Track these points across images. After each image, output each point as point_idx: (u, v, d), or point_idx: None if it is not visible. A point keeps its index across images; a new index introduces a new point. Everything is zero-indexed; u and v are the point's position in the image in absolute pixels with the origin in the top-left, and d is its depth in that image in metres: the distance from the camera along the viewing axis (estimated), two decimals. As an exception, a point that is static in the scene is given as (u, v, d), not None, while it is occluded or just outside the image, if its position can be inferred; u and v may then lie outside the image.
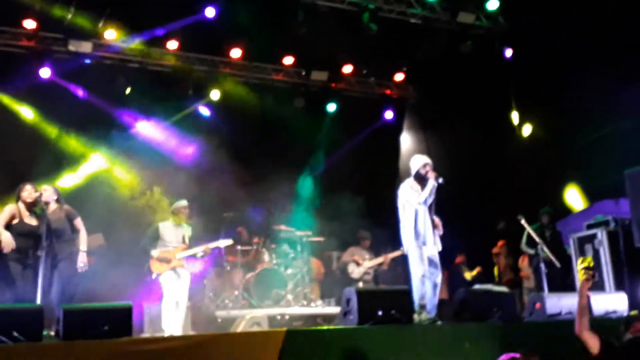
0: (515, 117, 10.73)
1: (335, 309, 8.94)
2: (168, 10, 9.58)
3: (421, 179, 6.94)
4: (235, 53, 11.08)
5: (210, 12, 9.82)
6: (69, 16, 9.60)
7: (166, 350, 5.11)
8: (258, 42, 10.54)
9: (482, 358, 5.63)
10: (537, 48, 9.72)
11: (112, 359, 4.91)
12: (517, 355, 4.53)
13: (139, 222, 8.99)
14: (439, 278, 6.87)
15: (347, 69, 11.82)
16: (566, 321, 5.88)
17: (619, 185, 7.96)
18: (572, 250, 8.60)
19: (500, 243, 10.36)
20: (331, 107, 12.08)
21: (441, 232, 7.05)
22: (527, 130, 10.60)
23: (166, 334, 7.38)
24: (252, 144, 11.04)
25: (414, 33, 10.77)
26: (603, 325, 5.25)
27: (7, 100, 10.05)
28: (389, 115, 12.55)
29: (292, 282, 9.56)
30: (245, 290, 9.30)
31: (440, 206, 7.06)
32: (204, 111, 11.21)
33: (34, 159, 9.19)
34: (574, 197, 10.05)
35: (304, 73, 11.82)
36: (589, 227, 8.52)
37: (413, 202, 6.86)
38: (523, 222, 8.54)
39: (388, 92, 12.62)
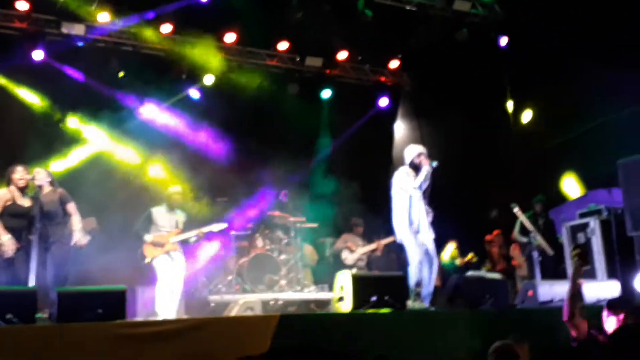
0: (510, 105, 10.74)
1: (328, 295, 8.97)
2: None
3: (416, 168, 6.96)
4: (230, 37, 11.01)
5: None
6: (62, -2, 9.51)
7: (160, 334, 5.11)
8: (252, 26, 10.48)
9: (475, 345, 5.66)
10: (532, 36, 9.71)
11: (105, 342, 4.90)
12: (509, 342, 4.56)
13: (133, 206, 8.94)
14: (435, 265, 6.90)
15: (342, 55, 11.78)
16: (558, 308, 5.92)
17: (613, 175, 7.99)
18: (564, 238, 8.64)
19: (495, 232, 10.39)
20: (326, 94, 12.04)
21: (431, 219, 7.06)
22: (527, 116, 10.61)
23: (160, 318, 7.38)
24: (246, 129, 10.99)
25: (409, 20, 10.74)
26: (594, 312, 5.28)
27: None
28: (383, 102, 12.52)
29: (286, 268, 9.58)
30: (239, 275, 9.31)
31: (434, 194, 7.08)
32: (194, 94, 11.13)
33: (26, 141, 9.12)
34: (571, 186, 10.08)
35: (298, 59, 11.76)
36: (582, 215, 8.57)
37: (408, 187, 6.87)
38: (516, 210, 8.60)
39: (383, 79, 12.59)
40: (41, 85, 10.02)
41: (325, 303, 9.08)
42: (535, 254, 8.36)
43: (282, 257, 9.67)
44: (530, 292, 6.95)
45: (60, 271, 6.69)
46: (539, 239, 8.54)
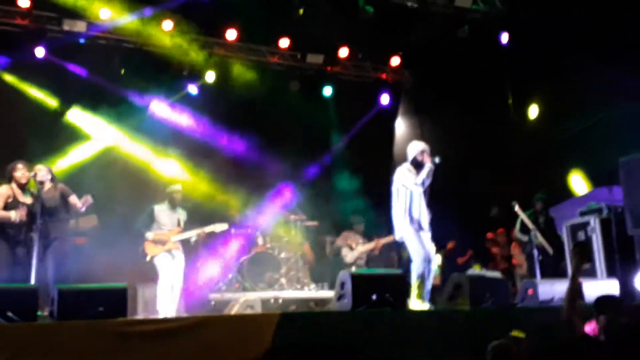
0: (511, 102, 10.72)
1: (328, 293, 8.98)
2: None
3: (418, 165, 6.94)
4: (231, 34, 11.00)
5: (205, -8, 9.73)
6: (64, -6, 9.51)
7: (161, 332, 5.12)
8: (253, 23, 10.46)
9: (475, 343, 5.66)
10: (534, 32, 9.68)
11: (106, 340, 4.92)
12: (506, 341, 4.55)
13: (134, 204, 8.96)
14: (433, 263, 6.90)
15: (343, 52, 11.75)
16: (558, 307, 5.92)
17: (615, 172, 7.99)
18: (564, 237, 8.63)
19: (499, 230, 10.38)
20: (327, 91, 12.02)
21: (429, 220, 7.06)
22: (529, 113, 10.60)
23: (160, 316, 7.40)
24: (246, 127, 10.98)
25: (410, 17, 10.70)
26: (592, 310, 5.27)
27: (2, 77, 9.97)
28: (385, 100, 12.50)
29: (286, 266, 9.59)
30: (239, 273, 9.32)
31: (434, 191, 7.07)
32: (192, 89, 11.11)
33: (28, 138, 9.12)
34: (576, 183, 10.07)
35: (299, 56, 11.75)
36: (582, 214, 8.55)
37: (409, 183, 6.85)
38: (517, 208, 8.59)
39: (384, 76, 12.57)
40: (43, 82, 10.01)
41: (325, 302, 9.09)
42: (535, 253, 8.35)
43: (283, 255, 9.68)
44: (530, 291, 6.95)
45: (61, 268, 6.70)
46: (539, 238, 8.52)
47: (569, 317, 4.81)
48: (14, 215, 6.51)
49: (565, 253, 8.47)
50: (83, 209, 6.92)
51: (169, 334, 5.11)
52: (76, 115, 10.31)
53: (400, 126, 12.76)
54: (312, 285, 9.61)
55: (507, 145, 10.46)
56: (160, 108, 10.92)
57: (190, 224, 8.16)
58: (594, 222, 8.25)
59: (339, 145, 11.92)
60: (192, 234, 8.01)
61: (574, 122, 9.44)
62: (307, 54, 11.65)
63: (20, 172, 6.75)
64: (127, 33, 10.45)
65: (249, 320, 5.95)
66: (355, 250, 9.94)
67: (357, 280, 6.00)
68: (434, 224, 7.05)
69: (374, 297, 5.90)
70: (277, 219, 10.00)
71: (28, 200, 6.72)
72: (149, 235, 7.79)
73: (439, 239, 7.30)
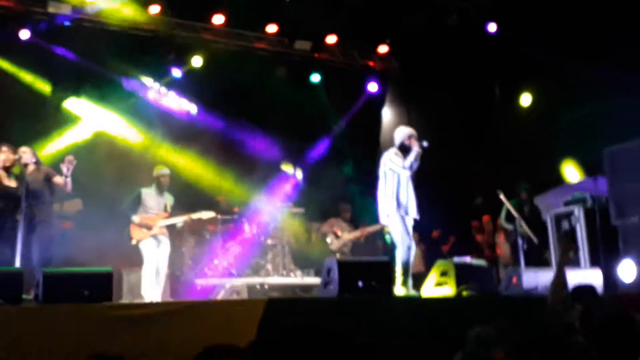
0: (498, 92, 10.76)
1: (314, 280, 9.00)
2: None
3: (405, 150, 6.93)
4: (218, 19, 10.91)
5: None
6: (48, -24, 9.38)
7: (146, 316, 5.11)
8: (241, 9, 10.39)
9: (460, 330, 5.69)
10: (522, 23, 9.71)
11: (91, 324, 4.90)
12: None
13: (120, 188, 8.90)
14: (413, 249, 6.91)
15: (331, 39, 11.71)
16: (543, 296, 5.98)
17: (599, 163, 8.06)
18: (549, 226, 8.70)
19: (485, 218, 10.43)
20: (315, 78, 11.98)
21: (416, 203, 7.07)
22: (517, 102, 10.64)
23: (145, 300, 7.38)
24: (233, 112, 10.93)
25: (399, 4, 10.68)
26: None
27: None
28: (372, 87, 12.49)
29: (272, 252, 9.59)
30: (225, 259, 9.31)
31: (420, 179, 7.09)
32: (176, 73, 11.02)
33: (12, 121, 9.01)
34: (570, 172, 10.13)
35: (286, 42, 11.68)
36: (567, 204, 8.63)
37: (397, 167, 6.84)
38: (502, 197, 8.64)
39: (372, 64, 12.55)
40: (28, 65, 9.86)
41: (310, 288, 9.11)
42: (520, 241, 8.42)
43: (269, 241, 9.68)
44: (514, 279, 7.01)
45: (46, 252, 6.65)
46: (524, 226, 8.59)
47: (554, 305, 4.85)
48: None
49: (550, 242, 8.54)
50: (68, 174, 6.73)
51: (154, 318, 5.10)
52: (61, 99, 10.20)
53: (387, 114, 12.76)
54: (298, 272, 9.63)
55: (493, 134, 10.51)
56: (145, 91, 10.83)
57: (177, 209, 8.12)
58: (578, 212, 8.31)
59: (326, 132, 11.89)
60: (179, 221, 7.98)
61: (562, 112, 9.50)
62: (295, 40, 11.60)
63: (5, 154, 6.68)
64: (113, 16, 10.34)
65: (236, 305, 5.95)
66: (340, 238, 9.96)
67: (344, 267, 6.01)
68: (419, 212, 7.07)
69: (360, 284, 5.92)
70: (263, 205, 9.98)
71: (12, 183, 6.65)
72: (135, 218, 7.75)
73: (423, 226, 7.32)
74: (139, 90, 10.71)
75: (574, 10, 8.89)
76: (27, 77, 9.96)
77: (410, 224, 6.94)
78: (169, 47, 10.70)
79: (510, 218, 8.90)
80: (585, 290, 4.89)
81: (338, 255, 9.76)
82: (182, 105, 10.99)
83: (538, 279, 6.80)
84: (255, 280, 9.03)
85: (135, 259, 7.98)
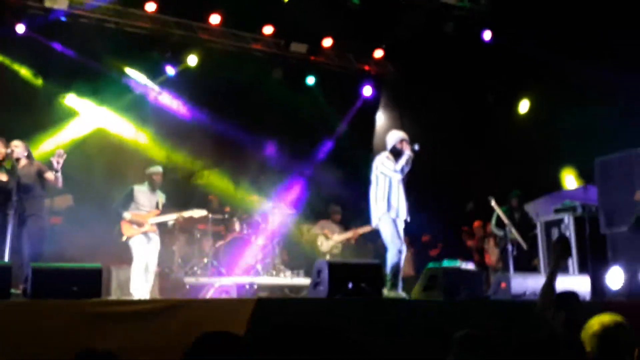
0: (492, 100, 10.81)
1: (303, 281, 9.00)
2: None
3: (397, 154, 6.98)
4: (215, 19, 10.92)
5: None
6: (45, -29, 9.36)
7: (135, 313, 5.09)
8: (238, 9, 10.40)
9: (449, 334, 5.71)
10: (518, 30, 9.76)
11: (80, 320, 4.87)
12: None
13: (110, 184, 8.88)
14: (404, 252, 6.94)
15: (327, 42, 11.73)
16: (531, 301, 6.01)
17: (591, 172, 8.13)
18: (539, 233, 8.75)
19: (476, 224, 10.47)
20: (310, 80, 11.99)
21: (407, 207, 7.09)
22: (524, 107, 10.67)
23: (134, 297, 7.36)
24: (228, 112, 10.93)
25: (395, 10, 10.72)
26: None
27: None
28: (367, 91, 12.51)
29: (262, 252, 9.59)
30: (215, 258, 9.31)
31: (411, 184, 7.12)
32: (170, 71, 11.01)
33: (4, 115, 8.98)
34: (569, 179, 10.19)
35: (283, 44, 11.70)
36: (557, 211, 8.69)
37: (388, 170, 6.89)
38: (493, 203, 8.68)
39: (367, 68, 12.58)
40: (23, 59, 9.86)
41: (300, 289, 9.11)
42: (510, 247, 8.47)
43: (260, 241, 9.67)
44: (503, 284, 7.03)
45: (36, 246, 6.63)
46: (514, 233, 8.64)
47: (543, 311, 4.87)
48: None
49: (539, 249, 8.59)
50: (58, 168, 6.70)
51: (144, 315, 5.08)
52: (54, 93, 10.17)
53: (381, 118, 12.79)
54: (288, 272, 9.63)
55: (486, 139, 10.55)
56: (140, 89, 10.82)
57: (168, 207, 8.12)
58: (568, 220, 8.38)
59: (324, 135, 11.90)
60: (170, 218, 7.97)
61: (558, 118, 9.54)
62: (291, 42, 11.61)
63: (-4, 148, 6.65)
64: (109, 13, 10.33)
65: (225, 304, 5.94)
66: (331, 239, 9.98)
67: (334, 268, 6.02)
68: (410, 216, 7.10)
69: (350, 285, 5.93)
70: (254, 205, 9.98)
71: (3, 177, 6.63)
72: (127, 215, 7.74)
73: (413, 230, 7.35)
74: (134, 87, 10.70)
75: (574, 12, 8.92)
76: (21, 70, 9.94)
77: (401, 227, 6.98)
78: (165, 45, 10.69)
79: (500, 224, 8.94)
80: (568, 296, 4.91)
81: (328, 257, 9.77)
82: (176, 103, 10.98)
83: (526, 284, 6.82)
84: (245, 279, 9.02)
85: (124, 256, 7.97)
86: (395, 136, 7.13)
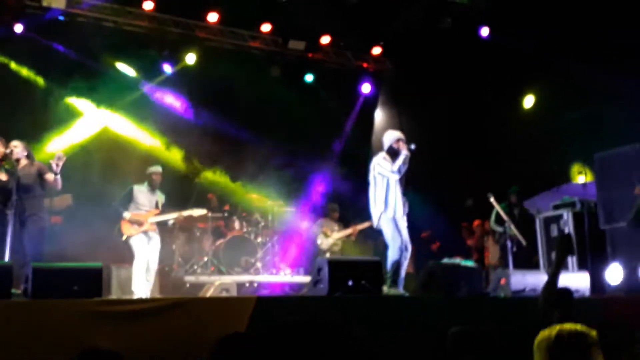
0: (491, 94, 10.80)
1: (303, 278, 9.02)
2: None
3: (394, 154, 7.00)
4: (212, 17, 10.91)
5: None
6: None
7: (136, 312, 5.10)
8: (236, 7, 10.40)
9: (447, 330, 5.73)
10: (516, 27, 9.76)
11: (81, 319, 4.88)
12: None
13: (110, 184, 8.88)
14: (408, 252, 6.97)
15: (325, 39, 11.72)
16: (531, 297, 6.03)
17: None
18: (538, 229, 8.77)
19: (475, 222, 10.48)
20: (309, 78, 11.99)
21: (407, 211, 7.12)
22: (529, 102, 10.68)
23: (135, 296, 7.37)
24: (226, 109, 10.93)
25: (393, 6, 10.70)
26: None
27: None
28: (366, 88, 12.51)
29: (262, 250, 9.61)
30: (215, 256, 9.32)
31: (410, 180, 7.13)
32: (167, 69, 11.00)
33: (4, 115, 8.98)
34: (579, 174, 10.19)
35: (280, 41, 11.69)
36: (556, 207, 8.70)
37: (385, 171, 6.91)
38: (492, 200, 8.70)
39: (365, 65, 12.57)
40: (22, 58, 9.85)
41: (300, 287, 9.13)
42: (509, 244, 8.48)
43: (259, 239, 9.69)
44: (503, 281, 7.05)
45: (36, 246, 6.63)
46: (513, 229, 8.65)
47: (545, 308, 4.88)
48: None
49: (538, 245, 8.60)
50: (58, 171, 6.69)
51: (144, 314, 5.09)
52: (53, 93, 10.16)
53: (379, 115, 12.79)
54: (288, 270, 9.65)
55: (485, 136, 10.55)
56: (138, 87, 10.81)
57: (168, 206, 8.13)
58: (567, 216, 8.39)
59: (324, 134, 11.90)
60: (170, 217, 7.98)
61: (559, 115, 9.55)
62: (289, 39, 11.60)
63: (-4, 148, 6.65)
64: (107, 12, 10.32)
65: (226, 303, 5.95)
66: (330, 237, 9.99)
67: (334, 266, 6.03)
68: (410, 212, 7.12)
69: (350, 283, 5.94)
70: (253, 203, 9.99)
71: (3, 176, 6.63)
72: (126, 214, 7.75)
73: (413, 227, 7.36)
74: (132, 85, 10.70)
75: (572, 8, 8.92)
76: (20, 70, 9.93)
77: (403, 224, 6.99)
78: (163, 43, 10.68)
79: (499, 221, 8.96)
80: (563, 293, 4.92)
81: (328, 255, 9.79)
82: (174, 102, 10.97)
83: (526, 281, 6.84)
84: (245, 278, 9.04)
85: (125, 255, 7.98)
86: (391, 136, 7.15)
